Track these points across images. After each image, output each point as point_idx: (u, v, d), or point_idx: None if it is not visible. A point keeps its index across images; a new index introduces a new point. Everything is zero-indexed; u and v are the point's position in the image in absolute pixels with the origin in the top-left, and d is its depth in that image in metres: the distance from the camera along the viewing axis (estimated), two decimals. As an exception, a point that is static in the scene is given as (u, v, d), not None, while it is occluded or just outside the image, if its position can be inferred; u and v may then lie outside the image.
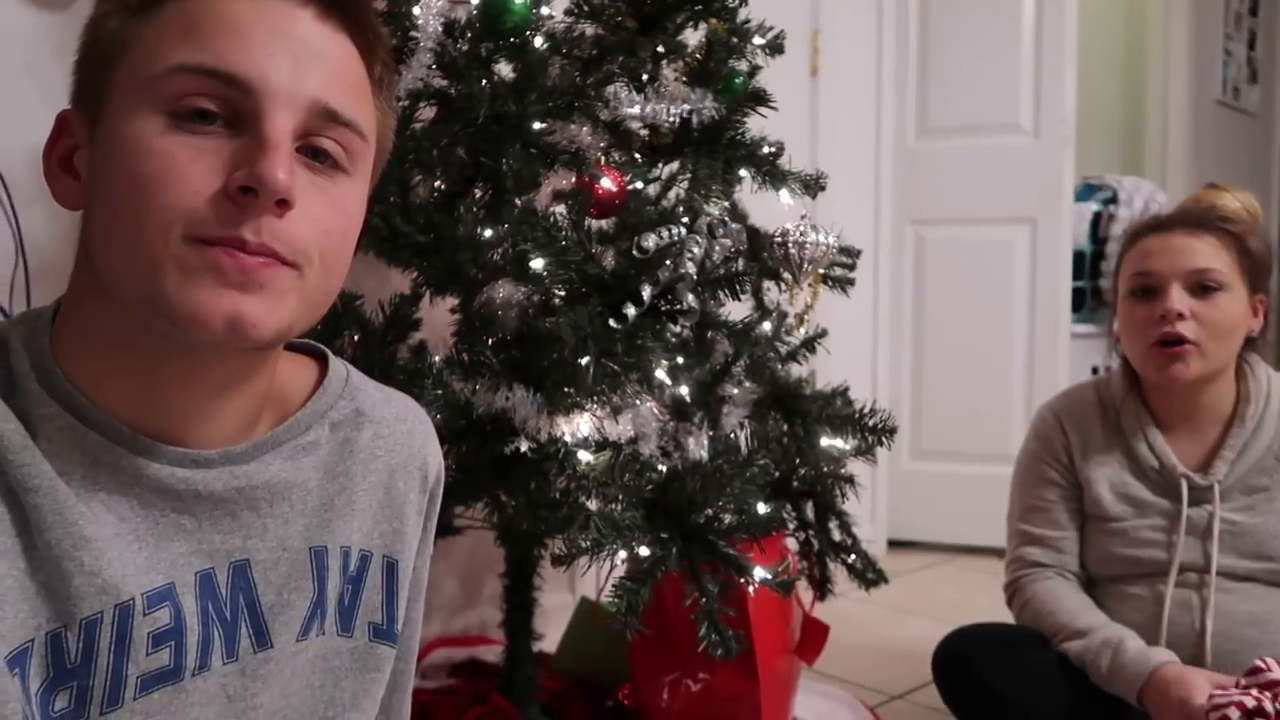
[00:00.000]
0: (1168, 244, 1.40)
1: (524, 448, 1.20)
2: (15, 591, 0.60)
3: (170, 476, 0.65)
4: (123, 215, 0.60)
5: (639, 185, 1.45)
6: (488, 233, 1.29)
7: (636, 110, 1.40)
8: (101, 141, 0.63)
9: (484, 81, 1.33)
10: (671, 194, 1.55)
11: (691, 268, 1.28)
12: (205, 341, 0.61)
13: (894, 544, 3.11)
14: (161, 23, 0.62)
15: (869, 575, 1.57)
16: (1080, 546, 1.48)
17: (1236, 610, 1.36)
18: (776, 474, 1.48)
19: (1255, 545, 1.37)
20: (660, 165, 1.52)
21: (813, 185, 1.54)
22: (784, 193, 1.51)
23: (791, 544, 1.62)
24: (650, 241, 1.27)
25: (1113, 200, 3.40)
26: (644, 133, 1.47)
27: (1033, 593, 1.45)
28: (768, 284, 1.60)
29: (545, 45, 1.37)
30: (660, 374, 1.34)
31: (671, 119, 1.43)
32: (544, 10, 1.39)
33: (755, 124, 1.55)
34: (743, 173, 1.52)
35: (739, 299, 1.42)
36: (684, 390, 1.38)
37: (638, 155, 1.49)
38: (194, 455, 0.66)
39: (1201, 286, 1.38)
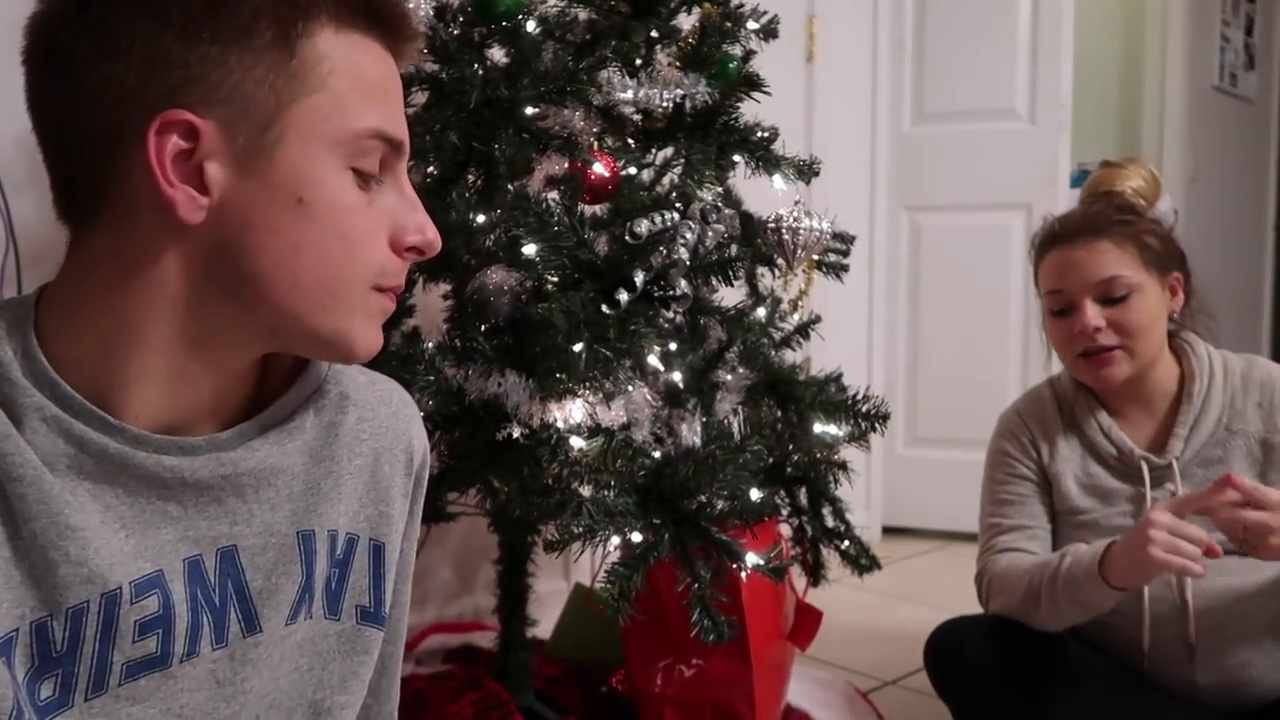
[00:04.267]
0: (1071, 259, 1.42)
1: (516, 434, 1.21)
2: None
3: (157, 465, 0.65)
4: (323, 263, 0.65)
5: (632, 170, 1.44)
6: (480, 218, 1.29)
7: (630, 95, 1.39)
8: (282, 179, 0.63)
9: (476, 66, 1.33)
10: (665, 179, 1.55)
11: (684, 253, 1.28)
12: (344, 364, 0.73)
13: (889, 530, 3.11)
14: (323, 71, 0.64)
15: (862, 561, 1.57)
16: (1054, 544, 1.48)
17: (1215, 584, 1.37)
18: (770, 460, 1.48)
19: None
20: (653, 150, 1.52)
21: (806, 171, 1.53)
22: (777, 178, 1.51)
23: (785, 530, 1.62)
24: (643, 227, 1.27)
25: (1109, 187, 3.39)
26: (637, 118, 1.47)
27: (995, 570, 1.45)
28: (761, 270, 1.60)
29: (538, 29, 1.36)
30: (653, 360, 1.34)
31: (665, 104, 1.42)
32: (536, -6, 1.38)
33: (750, 110, 1.54)
34: (736, 158, 1.52)
35: (732, 285, 1.42)
36: (677, 376, 1.38)
37: (631, 140, 1.48)
38: (180, 443, 0.66)
39: (1111, 295, 1.40)
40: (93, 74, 0.61)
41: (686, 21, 1.53)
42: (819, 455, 1.55)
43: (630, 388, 1.27)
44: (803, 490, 1.58)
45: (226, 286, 0.64)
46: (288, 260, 0.64)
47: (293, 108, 0.63)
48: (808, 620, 1.63)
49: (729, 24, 1.49)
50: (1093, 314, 1.40)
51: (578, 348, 1.22)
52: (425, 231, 0.69)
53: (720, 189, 1.47)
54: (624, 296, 1.24)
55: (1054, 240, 1.46)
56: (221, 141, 0.62)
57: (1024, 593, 1.37)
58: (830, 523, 1.59)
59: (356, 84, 0.66)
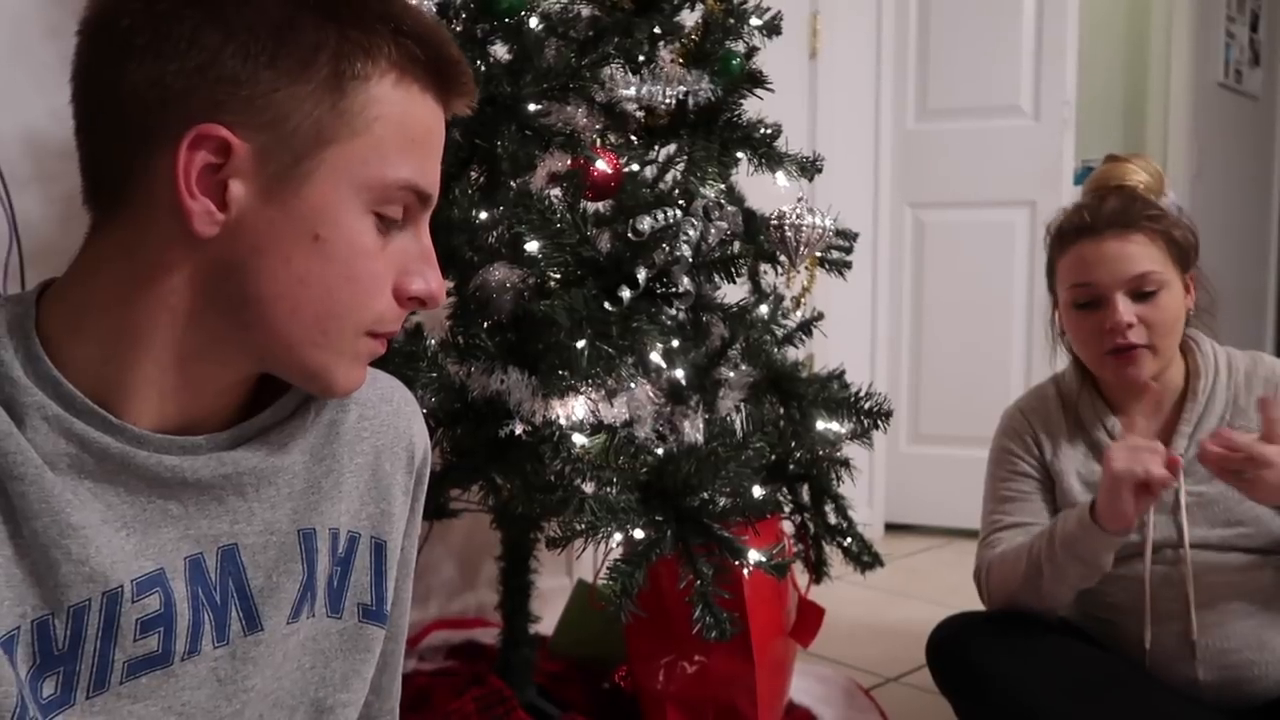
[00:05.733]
0: (1102, 253, 1.40)
1: (519, 430, 1.21)
2: (0, 579, 0.60)
3: (158, 464, 0.65)
4: (325, 300, 0.65)
5: (635, 167, 1.44)
6: (483, 215, 1.29)
7: (632, 92, 1.39)
8: (304, 213, 0.63)
9: (479, 63, 1.32)
10: (668, 176, 1.55)
11: (687, 250, 1.28)
12: (322, 397, 0.72)
13: (892, 527, 3.11)
14: (369, 115, 0.64)
15: (864, 558, 1.57)
16: None
17: (1218, 581, 1.37)
18: (772, 457, 1.48)
19: (1225, 513, 1.38)
20: (656, 147, 1.52)
21: (809, 167, 1.53)
22: (780, 175, 1.51)
23: (787, 527, 1.62)
24: (645, 224, 1.27)
25: (1113, 183, 3.38)
26: (640, 115, 1.47)
27: (990, 564, 1.45)
28: (764, 267, 1.60)
29: (541, 26, 1.36)
30: (655, 357, 1.34)
31: (668, 101, 1.42)
32: (539, -9, 1.38)
33: (753, 106, 1.54)
34: (739, 155, 1.51)
35: (735, 282, 1.42)
36: (679, 373, 1.38)
37: (633, 137, 1.48)
38: (181, 442, 0.66)
39: (1142, 291, 1.39)
40: (141, 68, 0.61)
41: (689, 18, 1.53)
42: (821, 452, 1.55)
43: (633, 385, 1.27)
44: (805, 487, 1.58)
45: (227, 304, 0.64)
46: (292, 290, 0.64)
47: (331, 146, 0.63)
48: (810, 617, 1.63)
49: (732, 20, 1.49)
50: (1125, 309, 1.38)
51: (580, 344, 1.22)
52: (430, 284, 0.69)
53: (723, 186, 1.47)
54: (626, 293, 1.24)
55: (1082, 232, 1.43)
56: (253, 164, 0.62)
57: (1025, 567, 1.38)
58: (832, 520, 1.58)
59: (399, 134, 0.65)
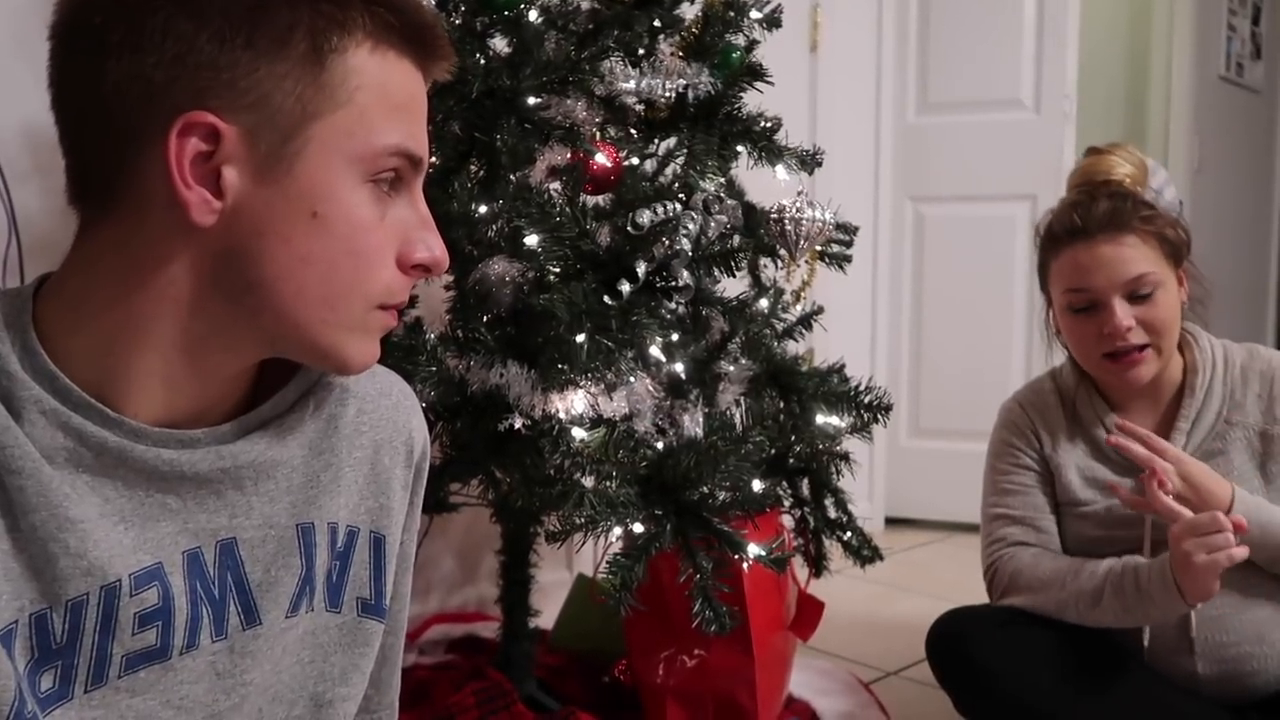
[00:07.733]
0: (1096, 257, 1.39)
1: (518, 424, 1.21)
2: None
3: (155, 458, 0.65)
4: (330, 277, 0.65)
5: (634, 161, 1.44)
6: (482, 209, 1.29)
7: (632, 85, 1.39)
8: (299, 190, 0.63)
9: (478, 56, 1.32)
10: (667, 170, 1.55)
11: (687, 244, 1.28)
12: (338, 375, 0.73)
13: (892, 521, 3.11)
14: (350, 86, 0.64)
15: (864, 552, 1.57)
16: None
17: None
18: (772, 451, 1.48)
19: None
20: (656, 141, 1.52)
21: (809, 161, 1.53)
22: (780, 168, 1.51)
23: (787, 521, 1.63)
24: (645, 218, 1.27)
25: (1114, 177, 3.37)
26: (640, 108, 1.47)
27: (1018, 565, 1.44)
28: (764, 261, 1.60)
29: (540, 19, 1.36)
30: (655, 351, 1.34)
31: (667, 94, 1.42)
32: (539, -16, 1.38)
33: (754, 100, 1.54)
34: (739, 148, 1.51)
35: (734, 275, 1.42)
36: (679, 367, 1.38)
37: (633, 131, 1.48)
38: (179, 436, 0.66)
39: (1139, 293, 1.39)
40: (119, 65, 0.61)
41: (689, 11, 1.53)
42: (821, 446, 1.55)
43: (632, 378, 1.27)
44: (805, 481, 1.58)
45: (231, 291, 0.64)
46: (295, 271, 0.64)
47: (318, 121, 0.63)
48: (810, 611, 1.63)
49: (732, 13, 1.49)
50: (1124, 313, 1.37)
51: (580, 338, 1.22)
52: (434, 250, 0.69)
53: (723, 179, 1.47)
54: (626, 287, 1.24)
55: (1074, 235, 1.41)
56: (243, 148, 0.62)
57: (1072, 595, 1.37)
58: (832, 514, 1.59)
59: (382, 100, 0.65)
